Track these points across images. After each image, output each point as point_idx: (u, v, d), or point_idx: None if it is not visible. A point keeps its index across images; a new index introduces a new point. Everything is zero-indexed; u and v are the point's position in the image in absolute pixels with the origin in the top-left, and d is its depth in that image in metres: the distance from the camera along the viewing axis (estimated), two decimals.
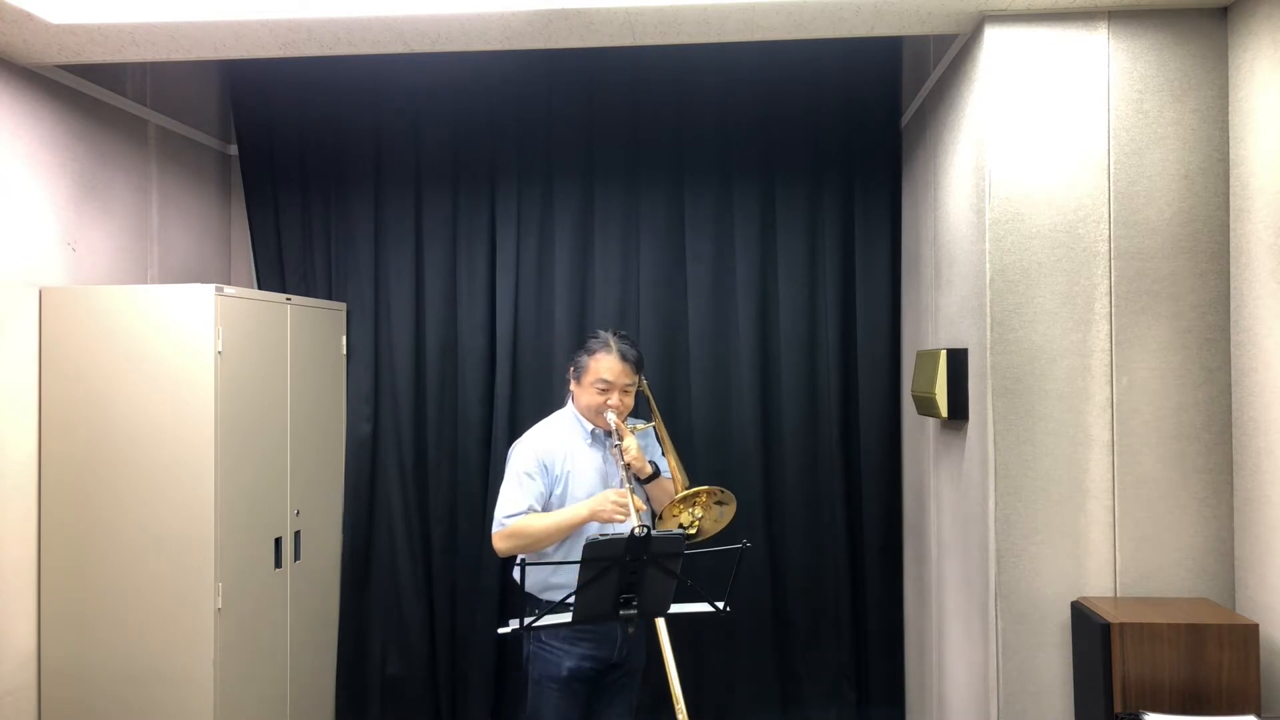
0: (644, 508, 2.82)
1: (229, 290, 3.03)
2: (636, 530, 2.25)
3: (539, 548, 2.79)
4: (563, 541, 2.80)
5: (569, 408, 2.98)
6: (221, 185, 4.09)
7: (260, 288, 3.99)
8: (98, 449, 2.99)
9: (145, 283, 3.54)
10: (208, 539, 2.95)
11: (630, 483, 2.79)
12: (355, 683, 3.90)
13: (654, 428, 3.02)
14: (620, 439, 2.81)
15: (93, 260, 3.28)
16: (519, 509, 2.78)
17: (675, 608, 2.47)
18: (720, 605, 2.45)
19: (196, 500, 2.95)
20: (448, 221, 3.92)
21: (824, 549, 3.82)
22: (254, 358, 3.20)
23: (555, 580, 2.78)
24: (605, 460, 2.89)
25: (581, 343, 3.00)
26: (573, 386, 2.95)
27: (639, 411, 3.03)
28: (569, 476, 2.84)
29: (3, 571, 2.89)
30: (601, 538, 2.27)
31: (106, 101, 3.37)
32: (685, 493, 2.81)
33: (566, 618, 2.35)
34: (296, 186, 3.98)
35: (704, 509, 2.82)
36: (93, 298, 3.03)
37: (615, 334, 2.94)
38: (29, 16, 2.65)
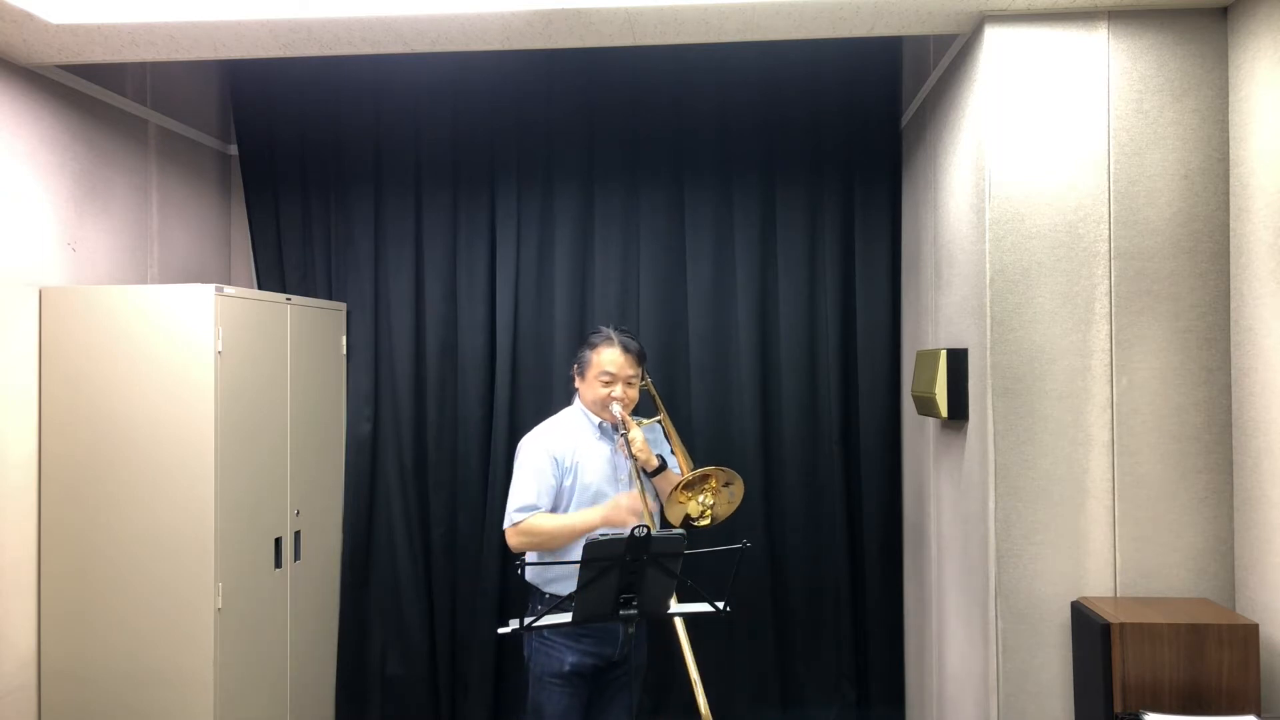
0: (654, 507, 2.82)
1: (229, 290, 3.03)
2: (636, 530, 2.25)
3: (551, 547, 2.81)
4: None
5: (575, 404, 3.00)
6: (221, 185, 4.09)
7: (260, 288, 3.99)
8: (98, 449, 2.99)
9: (145, 283, 3.54)
10: (208, 539, 2.95)
11: (639, 477, 2.80)
12: (355, 683, 3.90)
13: (660, 422, 3.04)
14: (626, 430, 2.83)
15: (93, 260, 3.28)
16: (529, 501, 2.79)
17: (675, 608, 2.47)
18: (720, 605, 2.45)
19: (196, 500, 2.95)
20: (448, 221, 3.92)
21: (824, 549, 3.82)
22: (254, 358, 3.20)
23: (550, 574, 2.80)
24: (614, 452, 2.91)
25: (583, 340, 3.03)
26: (577, 383, 2.98)
27: (645, 409, 3.04)
28: (579, 467, 2.86)
29: (3, 571, 2.89)
30: (602, 538, 2.27)
31: (106, 101, 3.37)
32: (690, 475, 2.79)
33: (566, 618, 2.35)
34: (296, 186, 3.98)
35: (714, 494, 2.82)
36: (93, 298, 3.03)
37: (616, 328, 2.98)
38: (29, 16, 2.65)
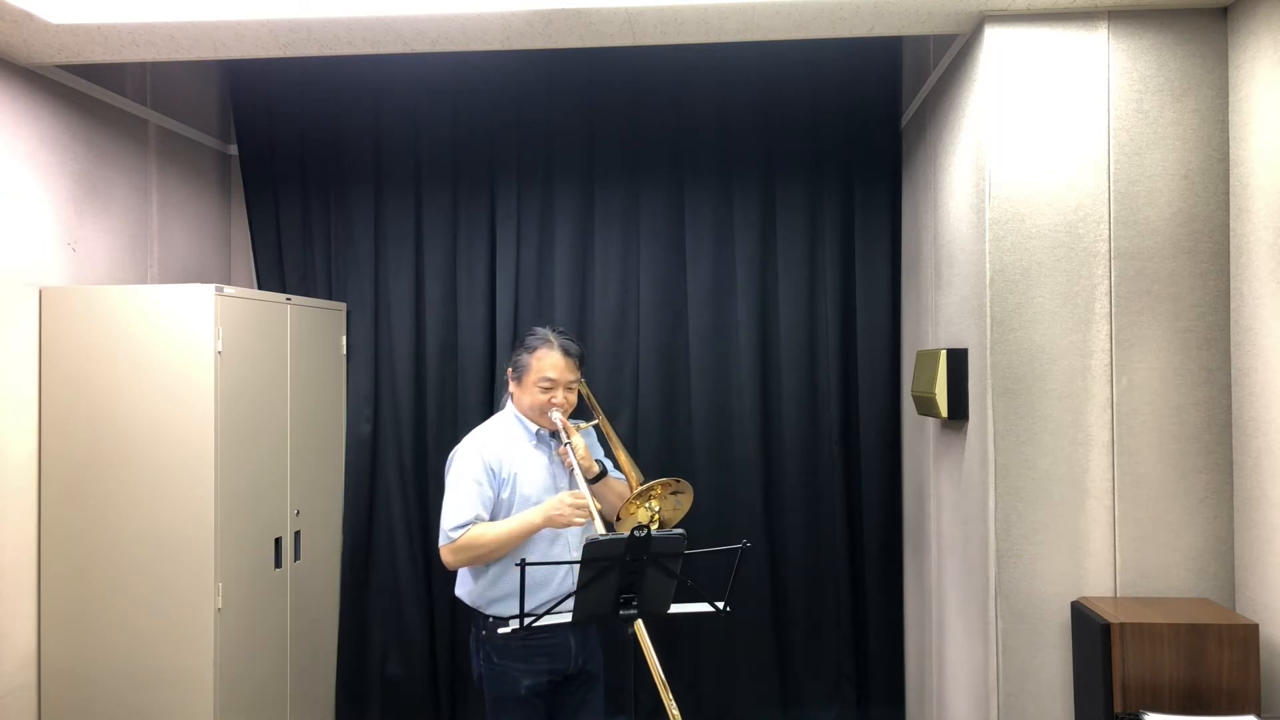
0: (600, 506, 2.76)
1: (229, 290, 3.03)
2: (636, 530, 2.25)
3: (492, 559, 2.66)
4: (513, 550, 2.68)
5: (508, 410, 2.84)
6: (221, 185, 4.09)
7: (260, 288, 3.99)
8: (98, 449, 2.99)
9: (145, 283, 3.54)
10: (208, 539, 2.95)
11: (580, 485, 2.69)
12: (355, 683, 3.90)
13: (596, 426, 2.92)
14: (568, 438, 2.72)
15: (93, 260, 3.28)
16: (466, 519, 2.63)
17: (675, 608, 2.47)
18: (720, 605, 2.44)
19: (196, 500, 2.95)
20: (448, 221, 3.92)
21: (824, 549, 3.82)
22: (254, 358, 3.20)
23: (494, 594, 2.70)
24: (551, 460, 2.79)
25: (519, 342, 2.88)
26: (513, 388, 2.82)
27: (579, 412, 2.98)
28: (516, 478, 2.72)
29: (3, 571, 2.89)
30: (601, 538, 2.27)
31: (106, 101, 3.37)
32: (640, 489, 2.73)
33: (566, 618, 2.34)
34: (296, 186, 3.98)
35: (660, 500, 2.74)
36: (93, 298, 3.03)
37: (555, 330, 2.83)
38: (29, 16, 2.65)
